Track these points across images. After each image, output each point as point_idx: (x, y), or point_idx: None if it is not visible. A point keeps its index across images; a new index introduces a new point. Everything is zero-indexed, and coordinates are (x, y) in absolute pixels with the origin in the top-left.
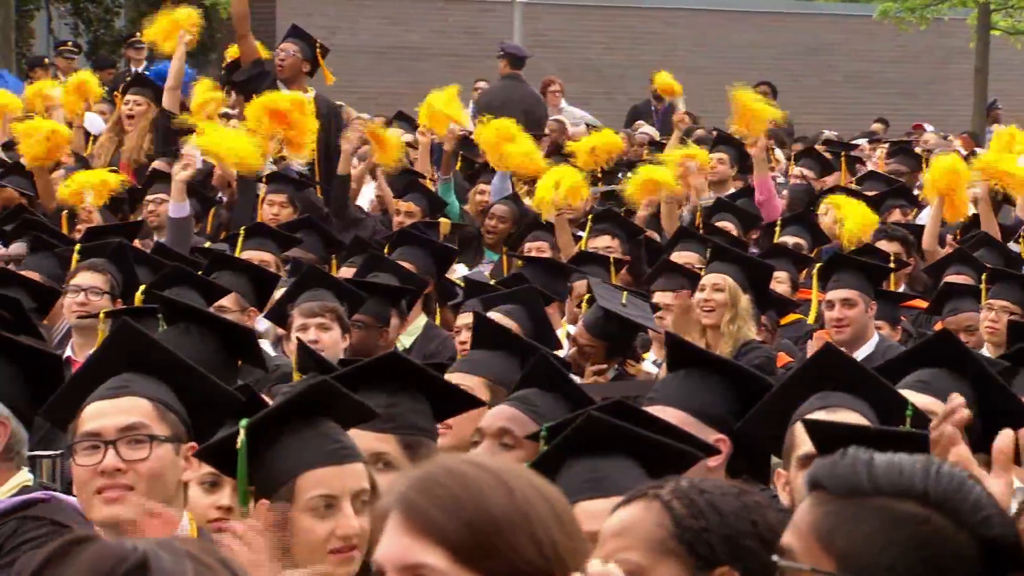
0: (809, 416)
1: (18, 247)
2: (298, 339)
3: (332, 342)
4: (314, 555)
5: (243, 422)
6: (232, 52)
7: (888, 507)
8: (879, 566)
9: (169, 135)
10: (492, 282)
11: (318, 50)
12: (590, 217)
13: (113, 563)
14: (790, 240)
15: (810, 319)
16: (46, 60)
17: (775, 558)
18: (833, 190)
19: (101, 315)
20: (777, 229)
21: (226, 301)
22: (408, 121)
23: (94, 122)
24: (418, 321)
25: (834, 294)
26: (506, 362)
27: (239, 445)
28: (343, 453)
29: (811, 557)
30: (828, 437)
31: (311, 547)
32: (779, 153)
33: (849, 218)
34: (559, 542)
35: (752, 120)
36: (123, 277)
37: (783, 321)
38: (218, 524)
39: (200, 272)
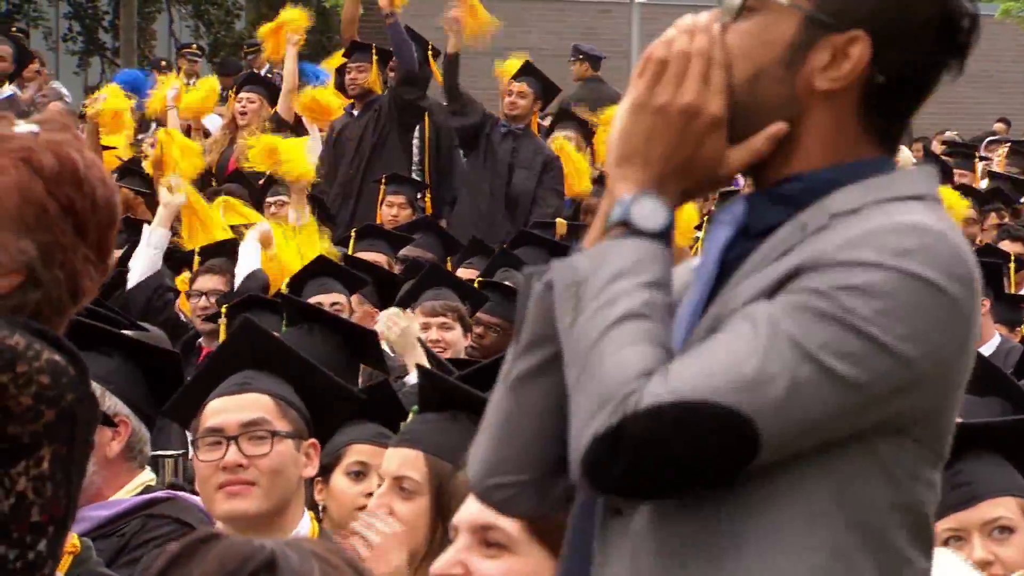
0: None
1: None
2: (420, 340)
3: (454, 341)
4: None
5: (414, 408)
6: (337, 59)
7: None
8: None
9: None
10: None
11: (429, 51)
12: (705, 219)
13: (241, 561)
14: None
15: None
16: (164, 62)
17: None
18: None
19: (223, 309)
20: None
21: (338, 299)
22: None
23: (214, 123)
24: None
25: None
26: None
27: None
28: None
29: None
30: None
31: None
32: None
33: None
34: None
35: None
36: None
37: None
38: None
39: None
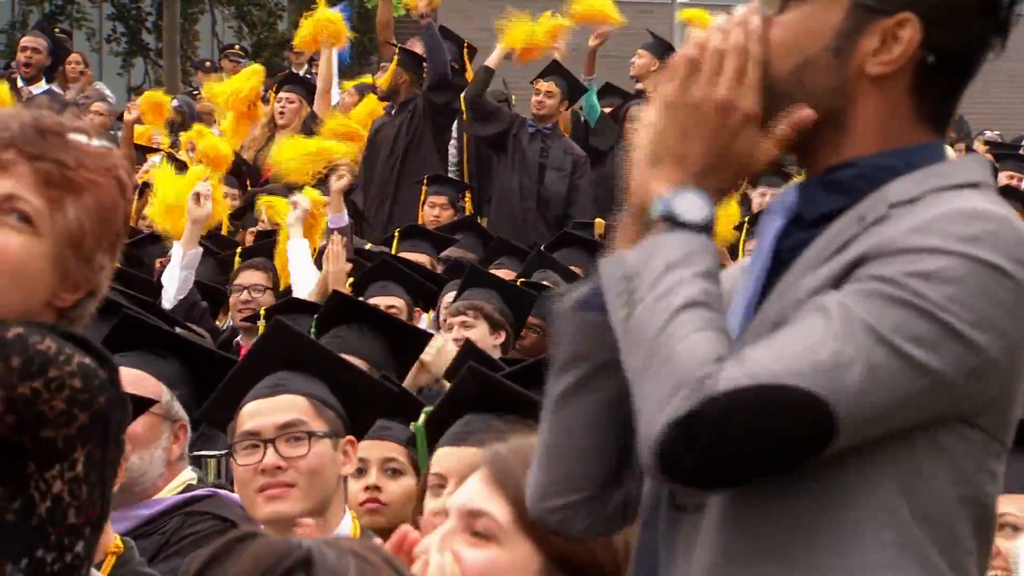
0: None
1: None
2: (457, 340)
3: (475, 339)
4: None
5: (427, 408)
6: (371, 101)
7: None
8: None
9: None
10: None
11: (465, 50)
12: (746, 220)
13: (277, 559)
14: None
15: None
16: (207, 63)
17: None
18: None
19: (262, 312)
20: None
21: (395, 303)
22: None
23: None
24: None
25: None
26: None
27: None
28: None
29: None
30: None
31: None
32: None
33: None
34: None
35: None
36: None
37: None
38: (368, 505)
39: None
